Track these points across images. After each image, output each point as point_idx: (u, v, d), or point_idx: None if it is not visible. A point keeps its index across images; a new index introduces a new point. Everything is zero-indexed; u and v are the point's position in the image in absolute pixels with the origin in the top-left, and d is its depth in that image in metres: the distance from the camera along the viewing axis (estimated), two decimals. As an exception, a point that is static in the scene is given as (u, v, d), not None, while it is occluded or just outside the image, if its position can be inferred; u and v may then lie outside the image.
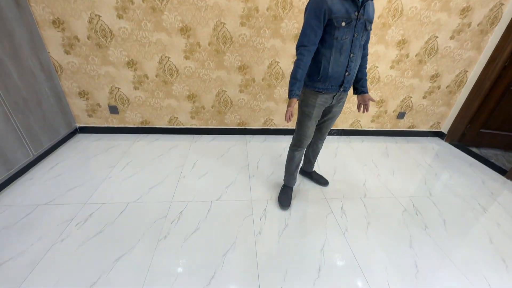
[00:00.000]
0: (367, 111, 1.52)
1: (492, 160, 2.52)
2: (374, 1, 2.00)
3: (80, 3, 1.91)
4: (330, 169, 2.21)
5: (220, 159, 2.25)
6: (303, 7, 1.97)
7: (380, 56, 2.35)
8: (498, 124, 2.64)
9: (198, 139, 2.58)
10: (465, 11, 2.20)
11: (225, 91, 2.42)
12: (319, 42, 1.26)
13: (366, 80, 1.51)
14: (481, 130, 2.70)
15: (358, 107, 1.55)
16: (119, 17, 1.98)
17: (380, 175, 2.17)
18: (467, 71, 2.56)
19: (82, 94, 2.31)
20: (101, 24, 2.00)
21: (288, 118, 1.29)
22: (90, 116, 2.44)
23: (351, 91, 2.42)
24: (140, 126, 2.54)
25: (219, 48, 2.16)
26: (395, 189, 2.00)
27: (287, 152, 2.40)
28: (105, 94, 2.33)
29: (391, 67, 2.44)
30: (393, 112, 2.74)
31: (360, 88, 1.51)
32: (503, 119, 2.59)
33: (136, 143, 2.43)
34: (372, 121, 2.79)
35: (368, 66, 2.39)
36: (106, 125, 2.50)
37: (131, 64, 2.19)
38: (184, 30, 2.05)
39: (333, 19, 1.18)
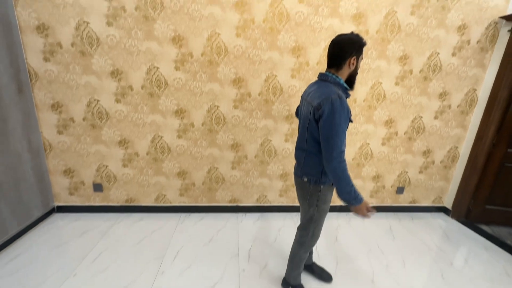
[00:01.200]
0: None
1: (508, 242, 2.29)
2: (374, 17, 2.12)
3: (82, 89, 2.02)
4: (332, 258, 1.95)
5: (207, 246, 2.00)
6: (300, 21, 2.02)
7: (370, 134, 2.42)
8: (502, 200, 2.52)
9: (186, 218, 2.37)
10: (443, 96, 2.38)
11: (217, 168, 2.36)
12: None
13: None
14: (487, 207, 2.56)
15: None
16: (117, 101, 2.07)
17: (389, 266, 1.90)
18: (457, 147, 2.59)
19: (68, 172, 2.22)
20: (99, 107, 2.07)
21: (368, 215, 1.18)
22: (71, 194, 2.29)
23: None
24: (124, 204, 2.36)
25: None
26: (409, 287, 1.71)
27: (282, 235, 2.18)
28: (91, 172, 2.24)
29: (382, 144, 2.47)
30: (391, 187, 2.65)
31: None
32: (505, 194, 2.49)
33: (117, 224, 2.21)
34: (371, 196, 2.66)
35: (360, 145, 2.43)
36: (87, 204, 2.33)
37: (123, 142, 2.19)
38: (177, 40, 1.99)
39: (350, 119, 1.19)
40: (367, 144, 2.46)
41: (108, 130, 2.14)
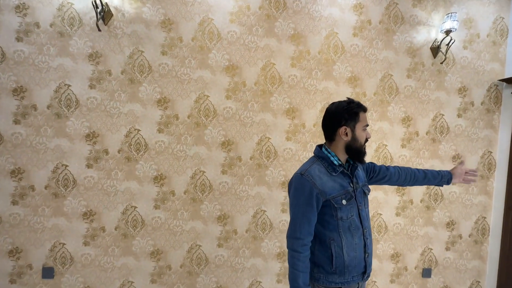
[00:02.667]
0: (475, 175, 1.25)
1: None
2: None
3: (50, 154, 1.79)
4: None
5: None
6: (293, 83, 1.86)
7: (381, 202, 2.07)
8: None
9: (155, 316, 1.81)
10: (456, 158, 2.14)
11: (200, 246, 1.93)
12: (319, 223, 1.01)
13: (431, 171, 1.24)
14: (541, 297, 2.02)
15: (468, 181, 1.26)
16: (89, 166, 1.82)
17: None
18: (485, 217, 2.21)
19: (13, 252, 1.79)
20: (66, 174, 1.80)
21: None
22: (12, 282, 1.80)
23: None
24: (77, 296, 1.85)
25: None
26: None
27: None
28: (43, 252, 1.81)
29: (397, 214, 2.10)
30: (415, 268, 2.15)
31: (441, 180, 1.22)
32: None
33: (61, 328, 1.66)
34: (392, 281, 2.13)
35: (371, 216, 2.05)
36: (30, 295, 1.82)
37: (87, 215, 1.83)
38: (162, 101, 1.85)
39: (331, 200, 0.98)
40: (378, 215, 2.08)
41: (73, 200, 1.82)
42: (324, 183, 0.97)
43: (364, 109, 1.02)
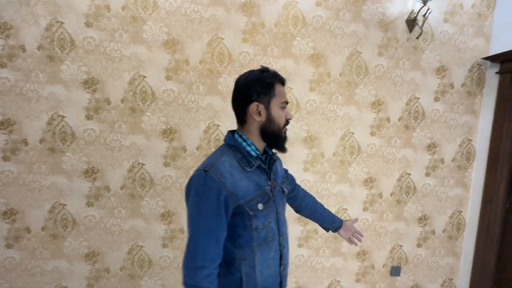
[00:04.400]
0: (360, 239, 1.13)
1: None
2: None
3: (45, 192, 1.54)
4: None
5: None
6: (245, 61, 1.65)
7: (347, 196, 1.87)
8: (536, 287, 1.85)
9: (91, 324, 1.64)
10: (432, 148, 1.93)
11: (142, 246, 1.73)
12: (228, 239, 0.75)
13: (329, 211, 1.13)
14: (516, 296, 1.87)
15: (350, 242, 1.14)
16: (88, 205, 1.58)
17: None
18: (461, 211, 2.03)
19: None
20: (64, 213, 1.56)
21: None
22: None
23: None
24: (2, 303, 1.66)
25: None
26: None
27: None
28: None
29: (364, 209, 1.91)
30: (383, 267, 1.98)
31: (333, 223, 1.10)
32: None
33: None
34: (357, 280, 1.97)
35: (335, 211, 1.85)
36: None
37: (8, 213, 1.61)
38: (90, 83, 1.61)
39: (244, 206, 0.72)
40: (344, 210, 1.89)
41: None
42: (237, 183, 0.72)
43: (282, 80, 0.78)
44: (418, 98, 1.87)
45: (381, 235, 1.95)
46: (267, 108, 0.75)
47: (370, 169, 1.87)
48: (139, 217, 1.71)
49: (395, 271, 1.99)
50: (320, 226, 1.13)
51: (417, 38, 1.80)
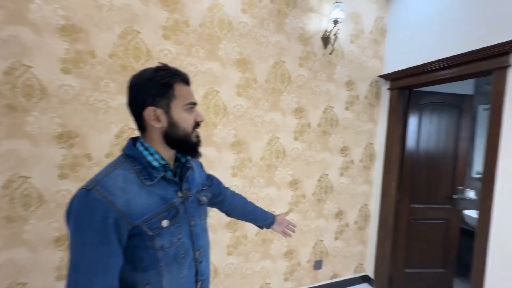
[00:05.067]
0: (294, 230, 1.16)
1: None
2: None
3: None
4: None
5: None
6: (167, 60, 1.49)
7: (274, 199, 1.94)
8: (418, 261, 2.31)
9: None
10: (344, 151, 2.20)
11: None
12: (127, 263, 0.63)
13: (260, 208, 1.12)
14: (406, 271, 2.29)
15: (285, 234, 1.15)
16: None
17: None
18: (367, 204, 2.38)
19: None
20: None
21: None
22: None
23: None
24: None
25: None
26: None
27: None
28: None
29: (291, 210, 2.01)
30: (307, 262, 2.12)
31: (265, 220, 1.10)
32: (419, 254, 2.30)
33: None
34: (286, 279, 2.05)
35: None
36: None
37: None
38: None
39: (142, 226, 0.63)
40: (273, 212, 1.94)
41: None
42: (132, 200, 0.61)
43: (184, 79, 0.69)
44: (333, 107, 2.11)
45: (305, 233, 2.09)
46: (168, 112, 0.67)
47: (294, 172, 2.00)
48: (21, 246, 1.33)
49: (318, 264, 2.16)
50: (254, 224, 1.12)
51: (330, 54, 2.04)
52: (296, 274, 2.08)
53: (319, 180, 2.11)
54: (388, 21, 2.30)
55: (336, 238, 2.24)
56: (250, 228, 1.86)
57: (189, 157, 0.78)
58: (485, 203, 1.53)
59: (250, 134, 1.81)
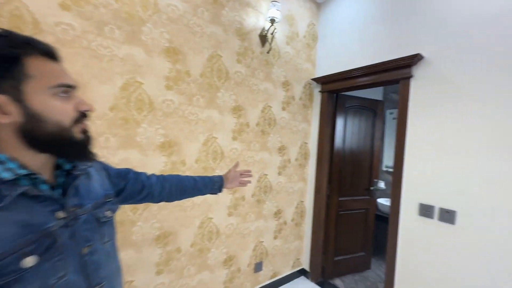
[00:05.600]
0: (250, 174, 1.14)
1: (358, 297, 2.20)
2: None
3: None
4: None
5: None
6: (70, 40, 1.11)
7: (211, 204, 1.78)
8: (344, 249, 2.56)
9: None
10: (282, 150, 2.23)
11: None
12: None
13: (201, 176, 1.03)
14: (335, 259, 2.51)
15: (243, 184, 1.12)
16: None
17: None
18: (302, 201, 2.49)
19: None
20: None
21: None
22: None
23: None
24: None
25: None
26: None
27: None
28: None
29: (229, 214, 1.90)
30: (247, 266, 2.06)
31: (213, 185, 1.03)
32: (344, 242, 2.56)
33: None
34: (225, 288, 1.93)
35: (199, 224, 1.71)
36: None
37: None
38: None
39: None
40: (209, 219, 1.78)
41: None
42: None
43: (44, 50, 0.49)
44: (271, 107, 2.11)
45: (245, 236, 2.02)
46: (20, 100, 0.45)
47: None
48: None
49: (258, 267, 2.12)
50: (204, 195, 1.02)
51: (268, 52, 2.02)
52: (236, 281, 1.99)
53: (258, 181, 2.07)
54: (319, 28, 2.46)
55: (275, 237, 2.25)
56: (184, 239, 1.66)
57: (77, 162, 0.56)
58: (395, 193, 1.78)
59: (183, 133, 1.60)
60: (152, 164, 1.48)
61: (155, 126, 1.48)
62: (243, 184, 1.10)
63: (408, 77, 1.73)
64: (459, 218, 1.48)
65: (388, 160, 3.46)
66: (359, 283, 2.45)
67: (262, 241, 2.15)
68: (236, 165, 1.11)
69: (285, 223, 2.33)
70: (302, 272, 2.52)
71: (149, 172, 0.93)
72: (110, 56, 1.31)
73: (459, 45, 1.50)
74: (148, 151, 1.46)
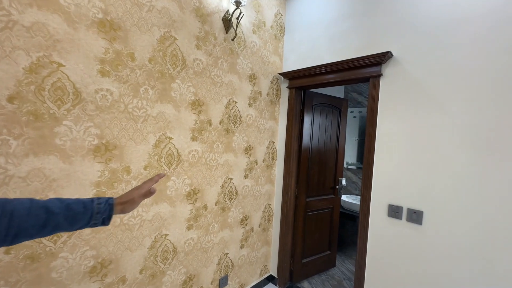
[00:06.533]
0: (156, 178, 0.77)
1: (326, 299, 2.16)
2: None
3: None
4: None
5: None
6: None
7: (167, 218, 1.47)
8: (311, 250, 2.51)
9: None
10: (249, 151, 2.02)
11: None
12: None
13: (76, 203, 0.63)
14: (303, 261, 2.44)
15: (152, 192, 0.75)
16: None
17: None
18: (270, 204, 2.33)
19: None
20: None
21: None
22: None
23: None
24: None
25: None
26: None
27: None
28: None
29: (188, 228, 1.62)
30: (211, 283, 1.81)
31: (100, 212, 0.65)
32: (311, 243, 2.50)
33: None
34: (185, 314, 1.65)
35: (151, 243, 1.38)
36: None
37: None
38: None
39: None
40: (163, 237, 1.47)
41: None
42: None
43: None
44: (236, 102, 1.87)
45: (208, 251, 1.76)
46: None
47: (193, 180, 1.61)
48: None
49: (223, 281, 1.89)
50: (81, 229, 0.67)
51: (233, 40, 1.77)
52: (198, 302, 1.73)
53: (222, 186, 1.82)
54: (286, 19, 2.29)
55: (242, 246, 2.05)
56: (130, 265, 1.33)
57: None
58: (365, 194, 1.74)
59: (127, 134, 1.26)
60: (83, 173, 1.11)
61: (87, 124, 1.11)
62: (152, 192, 0.75)
63: (377, 76, 1.69)
64: (426, 219, 1.49)
65: (348, 157, 3.57)
66: (326, 283, 2.43)
67: (227, 253, 1.92)
68: (153, 180, 0.76)
69: (252, 229, 2.14)
70: (269, 279, 2.38)
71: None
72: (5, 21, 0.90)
73: (426, 45, 1.49)
74: (74, 159, 1.09)
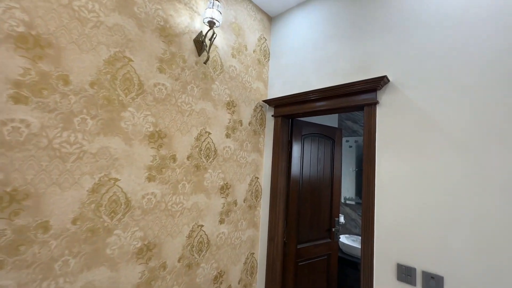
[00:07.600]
0: None
1: None
2: None
3: None
4: None
5: None
6: None
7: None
8: (305, 308, 2.06)
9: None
10: (225, 189, 1.69)
11: None
12: None
13: None
14: (294, 326, 1.97)
15: None
16: None
17: None
18: (253, 253, 1.94)
19: None
20: None
21: None
22: None
23: None
24: None
25: None
26: None
27: None
28: None
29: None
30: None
31: None
32: (306, 299, 2.06)
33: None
34: None
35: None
36: None
37: None
38: None
39: None
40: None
41: None
42: None
43: None
44: (210, 133, 1.60)
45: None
46: None
47: (147, 232, 1.26)
48: None
49: None
50: None
51: (205, 63, 1.55)
52: None
53: (189, 237, 1.46)
54: (271, 43, 2.13)
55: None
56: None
57: None
58: (366, 249, 1.38)
59: (54, 174, 0.95)
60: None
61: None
62: None
63: (373, 103, 1.44)
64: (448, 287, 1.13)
65: (345, 191, 3.23)
66: None
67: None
68: None
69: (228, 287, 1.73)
70: None
71: None
72: None
73: (425, 69, 1.27)
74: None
